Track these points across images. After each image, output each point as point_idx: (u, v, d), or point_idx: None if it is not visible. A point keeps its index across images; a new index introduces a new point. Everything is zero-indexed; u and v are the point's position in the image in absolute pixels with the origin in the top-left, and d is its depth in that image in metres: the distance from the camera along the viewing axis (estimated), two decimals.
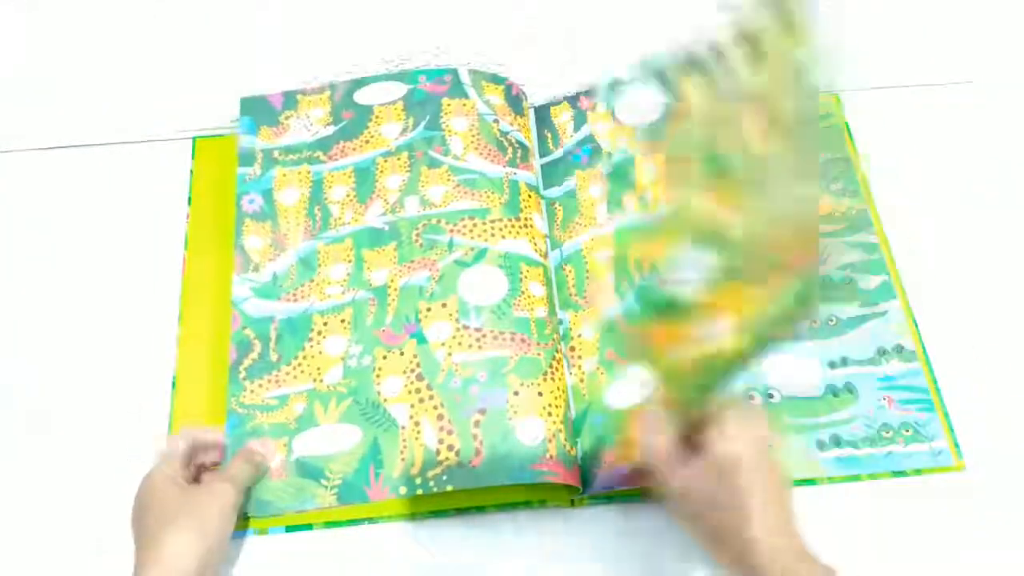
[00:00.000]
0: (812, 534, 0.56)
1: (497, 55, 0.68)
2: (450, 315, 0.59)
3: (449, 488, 0.54)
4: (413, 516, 0.57)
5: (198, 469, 0.56)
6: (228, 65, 0.66)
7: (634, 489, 0.56)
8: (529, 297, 0.60)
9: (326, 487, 0.56)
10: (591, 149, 0.67)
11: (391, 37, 0.66)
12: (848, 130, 0.71)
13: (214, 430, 0.57)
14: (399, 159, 0.64)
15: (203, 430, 0.56)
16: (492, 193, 0.63)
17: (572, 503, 0.57)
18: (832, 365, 0.61)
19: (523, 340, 0.58)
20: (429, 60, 0.68)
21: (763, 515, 0.44)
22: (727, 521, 0.45)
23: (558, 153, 0.68)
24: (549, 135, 0.69)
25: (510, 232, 0.62)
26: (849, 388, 0.60)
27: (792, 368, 0.60)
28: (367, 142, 0.65)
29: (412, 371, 0.58)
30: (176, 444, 0.54)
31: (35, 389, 0.61)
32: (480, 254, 0.61)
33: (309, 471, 0.56)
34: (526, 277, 0.61)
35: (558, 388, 0.58)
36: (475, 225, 0.62)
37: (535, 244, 0.62)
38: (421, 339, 0.59)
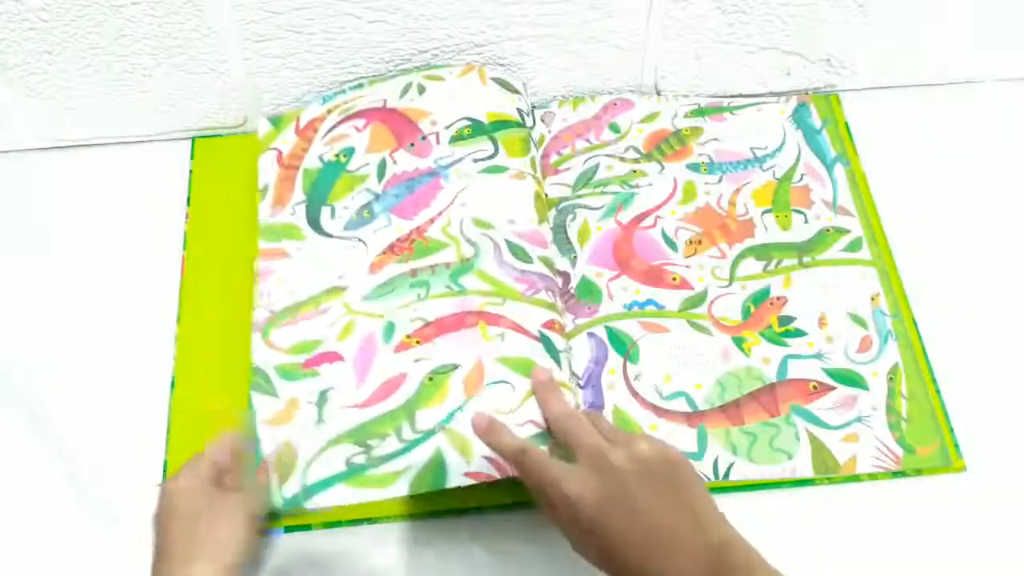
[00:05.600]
0: (807, 535, 0.56)
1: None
2: None
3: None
4: (413, 516, 0.56)
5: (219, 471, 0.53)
6: (228, 65, 0.66)
7: None
8: None
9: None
10: None
11: (394, 35, 0.66)
12: (848, 130, 0.71)
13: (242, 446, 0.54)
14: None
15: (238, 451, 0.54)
16: None
17: None
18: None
19: None
20: (428, 60, 0.68)
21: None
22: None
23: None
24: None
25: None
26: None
27: None
28: None
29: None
30: (227, 451, 0.53)
31: (33, 389, 0.61)
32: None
33: None
34: None
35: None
36: None
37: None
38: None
